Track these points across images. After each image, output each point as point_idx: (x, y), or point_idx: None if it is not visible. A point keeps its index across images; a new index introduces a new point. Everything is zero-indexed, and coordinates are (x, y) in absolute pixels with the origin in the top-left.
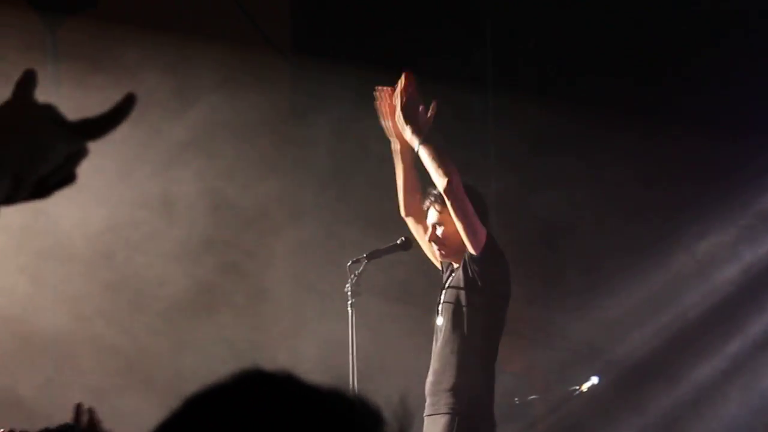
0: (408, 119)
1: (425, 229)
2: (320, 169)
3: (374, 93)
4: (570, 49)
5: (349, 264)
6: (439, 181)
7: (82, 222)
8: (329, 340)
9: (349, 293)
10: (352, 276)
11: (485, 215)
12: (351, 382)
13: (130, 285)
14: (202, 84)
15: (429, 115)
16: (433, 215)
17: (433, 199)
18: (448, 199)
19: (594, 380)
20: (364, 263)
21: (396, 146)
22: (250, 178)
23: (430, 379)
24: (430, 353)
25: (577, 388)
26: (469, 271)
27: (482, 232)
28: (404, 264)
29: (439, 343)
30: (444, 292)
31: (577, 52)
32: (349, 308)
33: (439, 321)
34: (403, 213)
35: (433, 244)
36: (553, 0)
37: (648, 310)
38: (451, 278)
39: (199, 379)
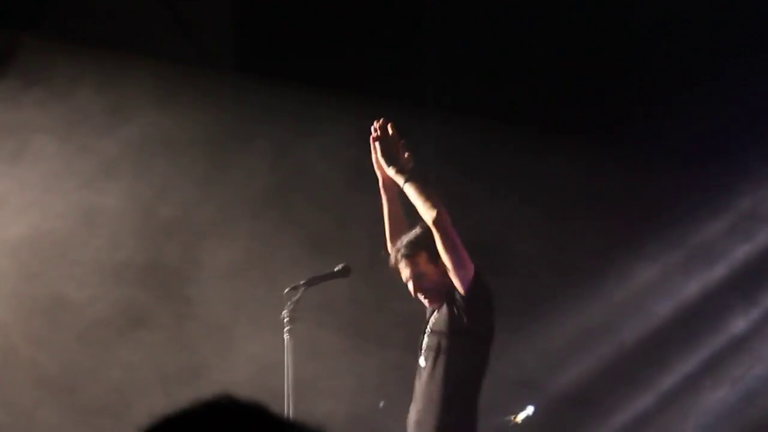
0: (389, 162)
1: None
2: (259, 187)
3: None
4: (509, 72)
5: (286, 291)
6: (428, 213)
7: (3, 236)
8: (261, 361)
9: (286, 320)
10: (289, 303)
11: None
12: (285, 405)
13: (54, 300)
14: (139, 101)
15: (407, 154)
16: (406, 270)
17: (401, 253)
18: (438, 231)
19: (529, 410)
20: (302, 290)
21: (382, 183)
22: (184, 196)
23: (413, 417)
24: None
25: (512, 418)
26: (455, 310)
27: (471, 267)
28: (341, 290)
29: (422, 381)
30: (428, 330)
31: (517, 75)
32: (285, 335)
33: (422, 361)
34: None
35: (420, 295)
36: (494, 23)
37: (582, 340)
38: (435, 316)
39: (124, 396)
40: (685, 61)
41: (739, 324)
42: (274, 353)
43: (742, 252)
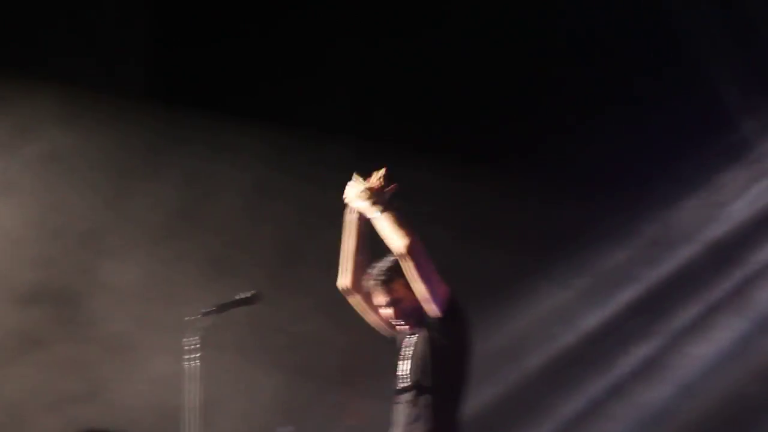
0: (374, 202)
1: (374, 305)
2: (164, 212)
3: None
4: (422, 100)
5: (194, 317)
6: (399, 242)
7: None
8: (162, 384)
9: (192, 346)
10: (197, 329)
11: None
12: (186, 428)
13: None
14: (43, 122)
15: (387, 189)
16: (382, 297)
17: (376, 281)
18: (411, 259)
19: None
20: (210, 317)
21: (351, 216)
22: (86, 218)
23: None
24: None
25: None
26: (433, 332)
27: (444, 289)
28: (247, 317)
29: (403, 407)
30: (405, 355)
31: (429, 103)
32: (190, 361)
33: (400, 385)
34: (344, 287)
35: (398, 321)
36: (406, 51)
37: (489, 367)
38: (412, 343)
39: (19, 415)
40: (594, 88)
41: (645, 347)
42: (174, 376)
43: (648, 276)
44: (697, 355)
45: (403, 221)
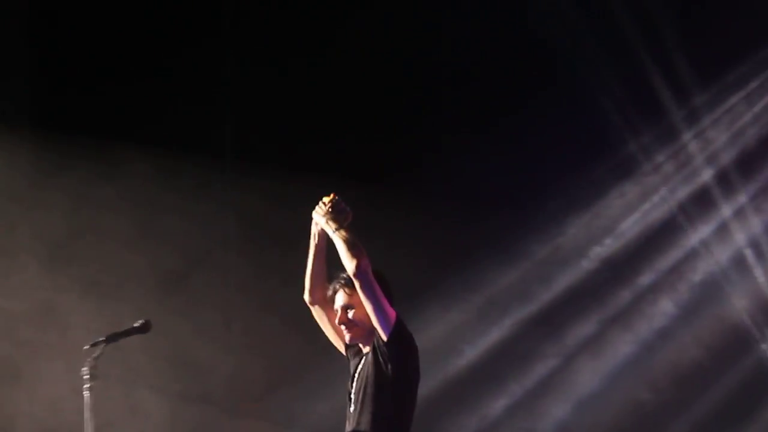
0: (331, 218)
1: (332, 314)
2: (51, 236)
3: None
4: (307, 124)
5: (86, 347)
6: (349, 263)
7: None
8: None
9: (86, 376)
10: (90, 359)
11: (391, 300)
12: None
13: None
14: None
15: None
16: (341, 298)
17: (343, 282)
18: (357, 280)
19: None
20: (101, 346)
21: (315, 229)
22: None
23: None
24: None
25: None
26: (380, 355)
27: (392, 314)
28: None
29: (351, 427)
30: (355, 377)
31: (315, 126)
32: (85, 392)
33: (351, 407)
34: (307, 298)
35: (342, 326)
36: (292, 77)
37: None
38: (361, 363)
39: None
40: (480, 108)
41: (546, 363)
42: (63, 401)
43: (541, 294)
44: (592, 369)
45: (354, 242)
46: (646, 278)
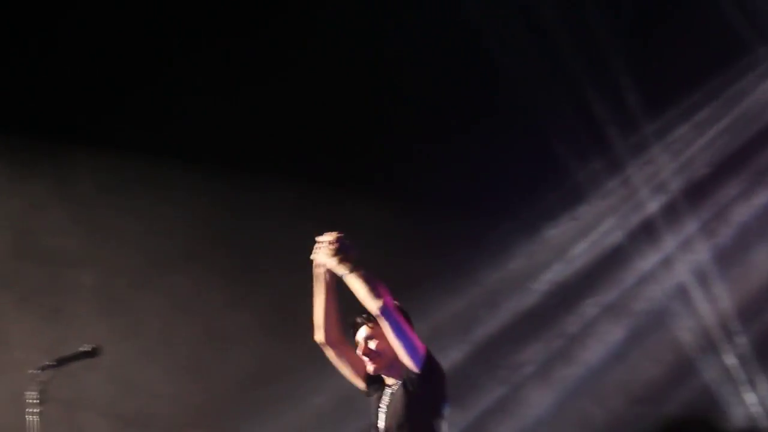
0: (341, 259)
1: (349, 351)
2: None
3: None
4: (275, 127)
5: (33, 371)
6: (373, 304)
7: None
8: None
9: (34, 401)
10: (37, 383)
11: (412, 327)
12: None
13: None
14: None
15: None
16: (363, 331)
17: (365, 317)
18: (385, 320)
19: None
20: (50, 370)
21: (318, 270)
22: None
23: None
24: None
25: None
26: (410, 387)
27: (421, 347)
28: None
29: None
30: (382, 410)
31: (284, 129)
32: (31, 416)
33: None
34: (320, 339)
35: (365, 358)
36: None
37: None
38: (387, 397)
39: None
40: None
41: (494, 389)
42: (10, 427)
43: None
44: (537, 402)
45: (373, 280)
46: (596, 306)
